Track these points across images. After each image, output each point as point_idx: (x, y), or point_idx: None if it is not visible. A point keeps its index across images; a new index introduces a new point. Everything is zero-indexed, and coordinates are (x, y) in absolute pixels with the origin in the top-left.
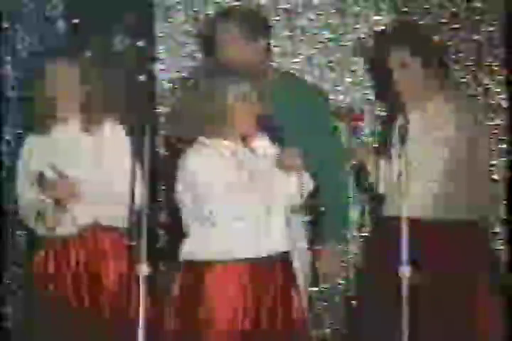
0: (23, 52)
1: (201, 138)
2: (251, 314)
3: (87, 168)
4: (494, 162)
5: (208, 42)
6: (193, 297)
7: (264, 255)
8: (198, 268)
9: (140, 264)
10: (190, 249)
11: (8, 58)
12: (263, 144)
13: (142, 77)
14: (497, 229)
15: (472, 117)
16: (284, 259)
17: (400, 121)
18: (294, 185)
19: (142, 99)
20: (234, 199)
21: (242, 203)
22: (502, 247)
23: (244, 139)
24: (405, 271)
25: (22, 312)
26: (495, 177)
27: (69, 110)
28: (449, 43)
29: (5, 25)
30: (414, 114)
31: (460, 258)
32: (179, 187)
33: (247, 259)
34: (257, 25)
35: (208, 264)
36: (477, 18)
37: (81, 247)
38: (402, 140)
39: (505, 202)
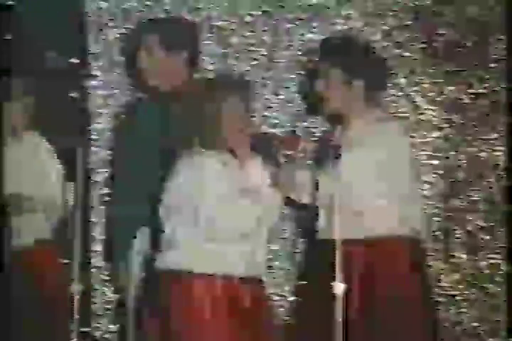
0: None
1: (194, 149)
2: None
3: (26, 183)
4: (426, 178)
5: (132, 56)
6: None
7: (252, 274)
8: (185, 280)
9: (72, 283)
10: (177, 260)
11: None
12: (255, 163)
13: (75, 94)
14: (429, 245)
15: (401, 135)
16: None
17: (333, 137)
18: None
19: (75, 115)
20: (225, 213)
21: (234, 219)
22: (432, 263)
23: (233, 152)
24: (339, 288)
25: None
26: (426, 193)
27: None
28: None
29: None
30: (344, 131)
31: (394, 275)
32: (168, 196)
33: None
34: (179, 36)
35: (194, 276)
36: (408, 35)
37: (27, 261)
38: (335, 156)
39: None
